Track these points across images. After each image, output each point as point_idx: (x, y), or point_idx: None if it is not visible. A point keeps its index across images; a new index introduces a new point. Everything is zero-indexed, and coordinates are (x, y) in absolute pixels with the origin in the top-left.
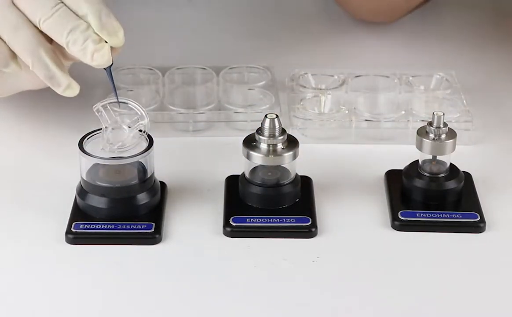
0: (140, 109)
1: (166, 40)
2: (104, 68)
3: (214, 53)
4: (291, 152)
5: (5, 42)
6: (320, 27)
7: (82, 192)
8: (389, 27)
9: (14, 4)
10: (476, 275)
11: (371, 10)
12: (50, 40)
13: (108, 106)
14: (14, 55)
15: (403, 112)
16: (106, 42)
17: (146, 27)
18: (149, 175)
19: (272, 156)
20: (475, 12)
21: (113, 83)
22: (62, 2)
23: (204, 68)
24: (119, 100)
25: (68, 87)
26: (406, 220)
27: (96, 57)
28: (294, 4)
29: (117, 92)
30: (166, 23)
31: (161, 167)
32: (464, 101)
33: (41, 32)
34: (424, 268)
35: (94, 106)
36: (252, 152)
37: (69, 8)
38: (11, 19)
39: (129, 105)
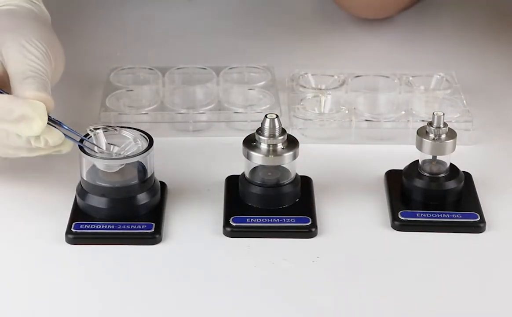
0: (138, 136)
1: (166, 40)
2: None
3: (214, 53)
4: (291, 152)
5: None
6: (320, 27)
7: (82, 192)
8: (389, 27)
9: None
10: (476, 275)
11: (366, 5)
12: None
13: (103, 131)
14: None
15: (403, 112)
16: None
17: (146, 27)
18: (149, 175)
19: (272, 156)
20: (475, 12)
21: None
22: None
23: (204, 68)
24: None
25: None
26: (406, 220)
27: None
28: (294, 4)
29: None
30: (166, 23)
31: (161, 167)
32: (464, 101)
33: None
34: (424, 268)
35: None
36: (252, 152)
37: None
38: None
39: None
